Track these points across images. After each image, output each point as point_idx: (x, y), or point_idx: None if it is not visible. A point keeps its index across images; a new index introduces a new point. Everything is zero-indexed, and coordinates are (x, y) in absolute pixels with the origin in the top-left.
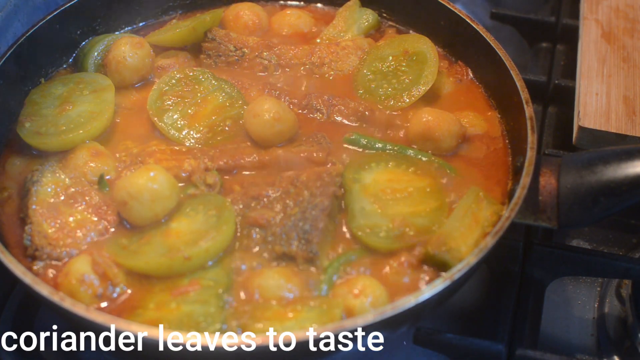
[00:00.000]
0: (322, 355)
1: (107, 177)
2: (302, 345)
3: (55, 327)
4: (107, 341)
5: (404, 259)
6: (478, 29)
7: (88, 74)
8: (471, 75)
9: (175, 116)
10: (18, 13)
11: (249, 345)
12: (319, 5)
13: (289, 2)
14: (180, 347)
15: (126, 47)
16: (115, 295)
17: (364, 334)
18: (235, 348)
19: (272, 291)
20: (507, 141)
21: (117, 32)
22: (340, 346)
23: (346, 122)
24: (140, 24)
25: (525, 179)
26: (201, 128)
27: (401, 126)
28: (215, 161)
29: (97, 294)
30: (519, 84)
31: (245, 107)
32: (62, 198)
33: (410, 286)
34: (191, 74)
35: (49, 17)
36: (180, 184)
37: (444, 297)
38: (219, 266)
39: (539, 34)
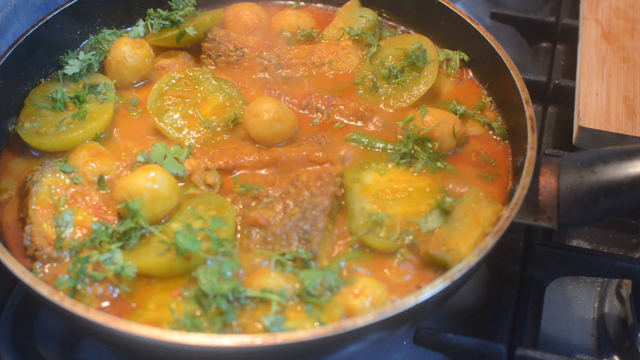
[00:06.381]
0: (322, 355)
1: (107, 177)
2: (303, 345)
3: (55, 327)
4: (107, 341)
5: (404, 258)
6: (478, 29)
7: (88, 74)
8: (471, 75)
9: (176, 116)
10: (18, 13)
11: (249, 345)
12: (319, 5)
13: (289, 2)
14: (180, 347)
15: (126, 47)
16: (115, 295)
17: (364, 333)
18: (235, 348)
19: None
20: (507, 141)
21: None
22: (340, 346)
23: (346, 122)
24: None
25: (525, 179)
26: (201, 128)
27: (401, 126)
28: (215, 161)
29: (97, 294)
30: (519, 84)
31: (245, 107)
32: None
33: (410, 286)
34: (191, 74)
35: (49, 17)
36: (180, 184)
37: (444, 297)
38: None
39: (539, 34)
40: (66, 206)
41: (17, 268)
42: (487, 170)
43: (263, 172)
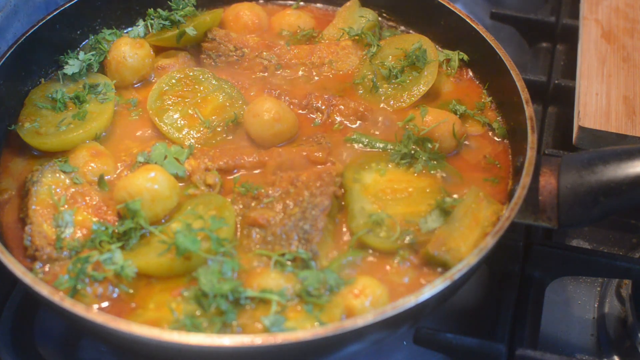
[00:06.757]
0: (322, 355)
1: (107, 177)
2: (303, 345)
3: (55, 327)
4: (107, 341)
5: (404, 259)
6: (478, 29)
7: (88, 74)
8: (471, 75)
9: (176, 116)
10: (18, 13)
11: (249, 345)
12: (319, 5)
13: (289, 2)
14: (180, 347)
15: (126, 48)
16: (115, 295)
17: (364, 333)
18: (235, 348)
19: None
20: (507, 141)
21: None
22: (340, 346)
23: (346, 122)
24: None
25: (525, 179)
26: (201, 128)
27: (401, 126)
28: (215, 161)
29: (97, 294)
30: (519, 84)
31: (245, 107)
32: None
33: (410, 286)
34: (191, 74)
35: (49, 17)
36: (180, 184)
37: (444, 297)
38: None
39: (539, 34)
40: (66, 206)
41: (17, 268)
42: (486, 170)
43: (263, 172)
